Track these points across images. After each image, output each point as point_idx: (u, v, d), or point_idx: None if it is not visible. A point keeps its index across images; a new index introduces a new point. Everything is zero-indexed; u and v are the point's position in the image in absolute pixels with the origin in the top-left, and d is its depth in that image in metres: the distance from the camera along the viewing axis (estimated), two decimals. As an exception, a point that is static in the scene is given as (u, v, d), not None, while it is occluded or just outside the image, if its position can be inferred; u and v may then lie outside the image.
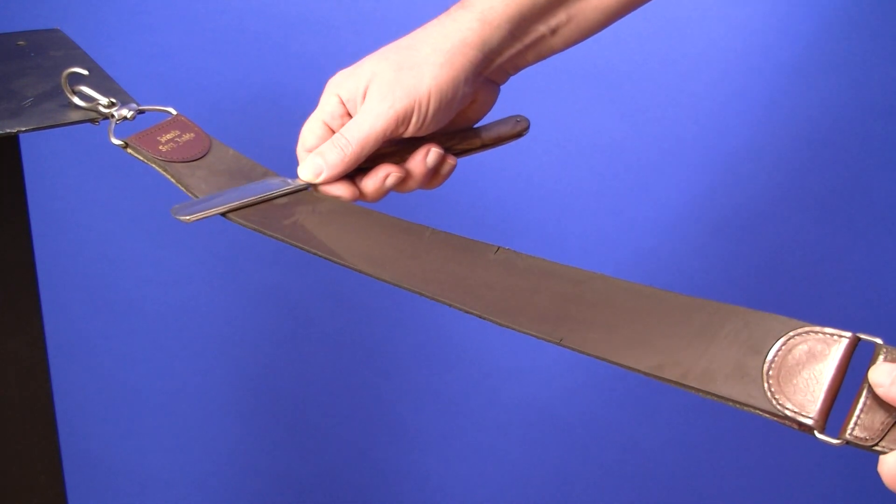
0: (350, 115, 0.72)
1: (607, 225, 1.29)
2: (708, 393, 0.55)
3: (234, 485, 1.50)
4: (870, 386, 0.52)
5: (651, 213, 1.28)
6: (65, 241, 1.37)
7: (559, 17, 0.73)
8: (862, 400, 0.51)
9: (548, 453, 1.41)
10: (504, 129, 0.78)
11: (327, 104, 0.72)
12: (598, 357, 0.59)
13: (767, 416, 0.53)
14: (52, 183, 1.34)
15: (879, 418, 0.51)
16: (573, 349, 0.60)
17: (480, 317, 0.63)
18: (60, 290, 1.37)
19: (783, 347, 0.55)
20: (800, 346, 0.54)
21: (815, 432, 0.52)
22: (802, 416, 0.52)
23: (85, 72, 0.77)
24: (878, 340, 0.53)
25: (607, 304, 0.62)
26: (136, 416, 1.47)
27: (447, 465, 1.45)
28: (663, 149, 1.25)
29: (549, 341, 0.61)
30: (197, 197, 0.72)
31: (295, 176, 0.73)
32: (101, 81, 0.79)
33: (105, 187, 1.35)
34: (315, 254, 0.69)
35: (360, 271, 0.67)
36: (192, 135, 0.77)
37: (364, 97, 0.70)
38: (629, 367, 0.58)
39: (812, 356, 0.54)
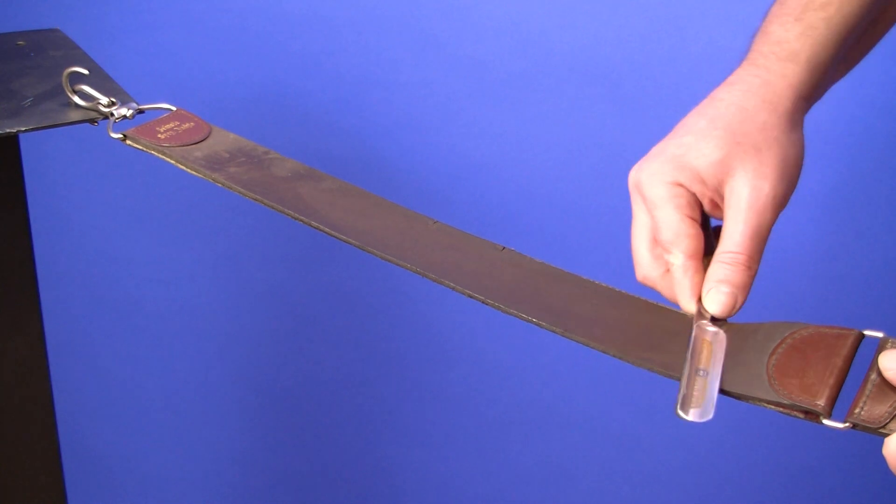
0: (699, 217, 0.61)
1: (607, 225, 1.29)
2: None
3: (234, 484, 1.50)
4: (875, 373, 0.53)
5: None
6: (65, 241, 1.37)
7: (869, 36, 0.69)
8: (868, 386, 0.53)
9: (548, 452, 1.41)
10: None
11: (678, 196, 0.60)
12: (604, 351, 0.59)
13: (773, 406, 0.54)
14: (52, 183, 1.34)
15: (885, 403, 0.52)
16: (578, 340, 0.59)
17: (483, 301, 0.62)
18: (60, 290, 1.37)
19: (787, 345, 0.56)
20: (804, 343, 0.56)
21: (822, 418, 0.53)
22: (809, 403, 0.53)
23: (85, 71, 0.77)
24: (881, 334, 0.55)
25: (615, 308, 0.62)
26: (137, 415, 1.47)
27: (448, 463, 1.45)
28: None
29: (552, 331, 0.60)
30: (240, 191, 0.71)
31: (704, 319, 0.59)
32: (101, 81, 0.79)
33: (105, 187, 1.35)
34: (316, 227, 0.68)
35: (362, 248, 0.66)
36: (192, 124, 0.77)
37: (723, 187, 0.60)
38: (638, 364, 0.58)
39: (817, 351, 0.55)
